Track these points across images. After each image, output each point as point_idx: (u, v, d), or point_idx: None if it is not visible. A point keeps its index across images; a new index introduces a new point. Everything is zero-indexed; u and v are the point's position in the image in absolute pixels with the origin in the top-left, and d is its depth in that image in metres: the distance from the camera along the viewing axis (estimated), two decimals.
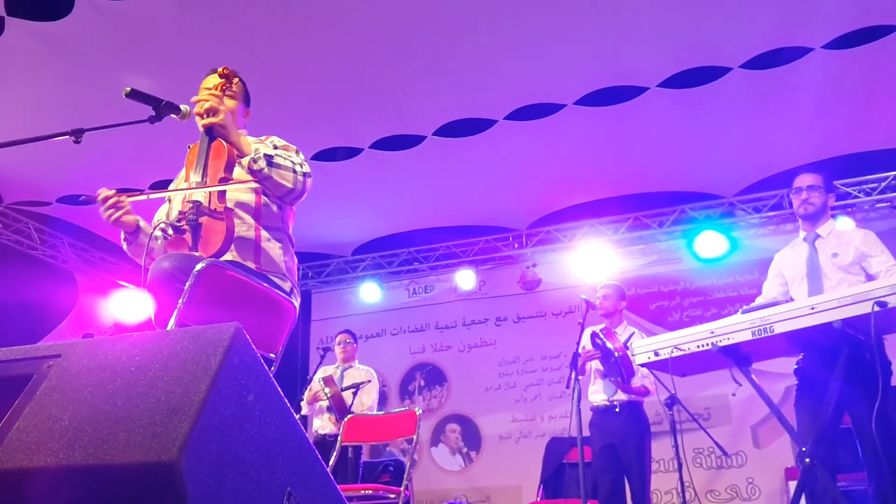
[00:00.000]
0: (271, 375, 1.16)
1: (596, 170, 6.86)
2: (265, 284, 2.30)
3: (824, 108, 5.94)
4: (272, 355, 2.28)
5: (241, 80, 2.75)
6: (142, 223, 2.64)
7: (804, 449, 2.97)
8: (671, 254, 7.76)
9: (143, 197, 2.56)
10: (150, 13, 4.72)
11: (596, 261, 7.54)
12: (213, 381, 0.98)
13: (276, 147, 2.52)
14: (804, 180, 3.74)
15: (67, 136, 2.23)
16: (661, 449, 6.67)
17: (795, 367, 3.58)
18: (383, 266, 8.57)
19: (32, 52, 5.00)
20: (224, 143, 2.42)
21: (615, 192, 7.32)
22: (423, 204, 7.48)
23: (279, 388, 1.17)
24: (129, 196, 2.51)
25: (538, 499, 5.76)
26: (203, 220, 2.33)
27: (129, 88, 2.39)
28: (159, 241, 2.48)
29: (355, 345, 6.10)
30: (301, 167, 2.46)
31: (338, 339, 6.08)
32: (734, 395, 3.69)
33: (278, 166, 2.38)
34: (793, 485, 6.03)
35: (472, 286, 8.23)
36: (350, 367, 5.93)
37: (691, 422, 5.28)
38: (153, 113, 2.45)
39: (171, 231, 2.34)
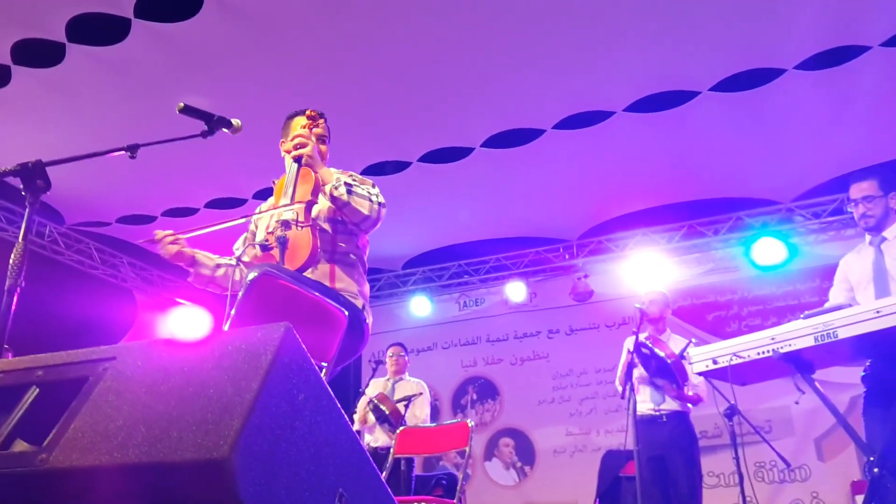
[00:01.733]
0: (322, 379, 1.16)
1: (648, 177, 6.77)
2: (316, 294, 2.32)
3: (884, 108, 5.75)
4: (324, 364, 2.30)
5: (325, 120, 2.94)
6: (198, 255, 2.84)
7: (872, 459, 2.86)
8: (728, 262, 7.58)
9: (199, 232, 2.71)
10: (204, 35, 4.84)
11: (649, 270, 7.41)
12: (264, 380, 0.98)
13: (354, 179, 2.74)
14: (858, 190, 3.54)
15: (123, 152, 2.29)
16: (720, 463, 6.51)
17: (863, 374, 3.44)
18: (433, 279, 8.57)
19: (92, 77, 5.16)
20: (311, 171, 2.66)
21: (668, 199, 7.20)
22: (472, 216, 7.47)
23: (330, 390, 1.17)
24: (184, 233, 2.72)
25: None
26: (290, 234, 2.52)
27: (182, 104, 2.45)
28: (244, 257, 2.69)
29: (406, 357, 6.11)
30: (377, 197, 2.67)
31: (389, 351, 6.10)
32: (797, 403, 3.56)
33: (357, 194, 2.60)
34: (860, 499, 5.81)
35: (522, 298, 8.18)
36: (401, 379, 5.93)
37: (751, 435, 5.13)
38: (206, 128, 2.51)
39: (259, 251, 2.56)
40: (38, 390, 1.15)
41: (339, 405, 1.18)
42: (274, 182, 2.85)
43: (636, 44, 5.05)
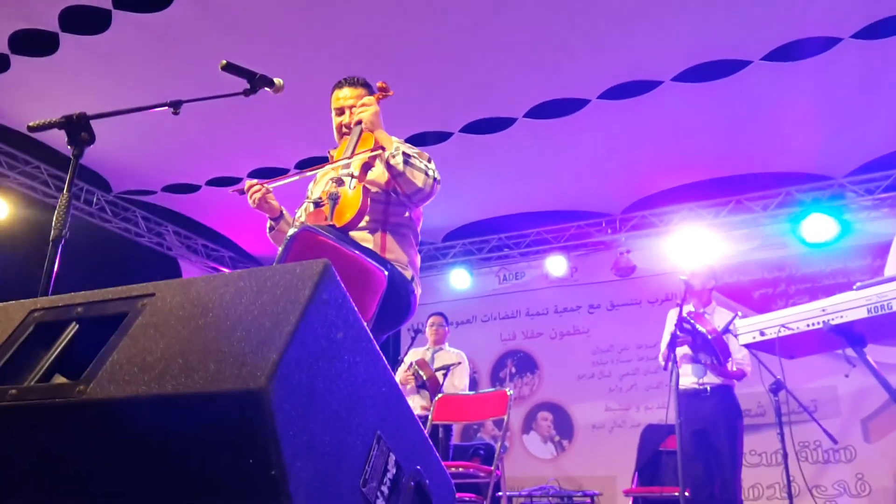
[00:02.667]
0: (362, 320, 1.14)
1: (695, 150, 6.61)
2: (356, 252, 2.31)
3: None
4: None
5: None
6: (285, 212, 2.87)
7: None
8: (776, 239, 7.40)
9: (284, 181, 2.77)
10: (246, 2, 4.83)
11: (694, 246, 7.26)
12: (302, 314, 0.96)
13: (413, 151, 2.73)
14: None
15: (167, 108, 2.29)
16: (764, 441, 6.41)
17: None
18: (473, 252, 8.54)
19: (137, 44, 5.20)
20: (371, 135, 2.67)
21: (715, 173, 7.03)
22: (513, 189, 7.40)
23: (369, 331, 1.15)
24: (271, 181, 2.75)
25: (633, 486, 5.61)
26: (342, 190, 2.53)
27: (224, 62, 2.44)
28: (301, 218, 2.72)
29: (447, 328, 6.11)
30: (433, 172, 2.66)
31: (430, 321, 6.10)
32: (847, 376, 3.46)
33: (413, 166, 2.60)
34: None
35: (563, 272, 8.11)
36: (441, 349, 5.94)
37: (795, 414, 5.02)
38: (248, 86, 2.50)
39: (311, 207, 2.59)
40: (77, 326, 1.15)
41: (377, 347, 1.16)
42: (330, 152, 2.86)
43: (686, 10, 4.91)
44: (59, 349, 1.12)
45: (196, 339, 1.00)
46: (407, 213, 2.76)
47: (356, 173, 2.58)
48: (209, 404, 0.91)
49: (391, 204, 2.72)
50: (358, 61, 5.39)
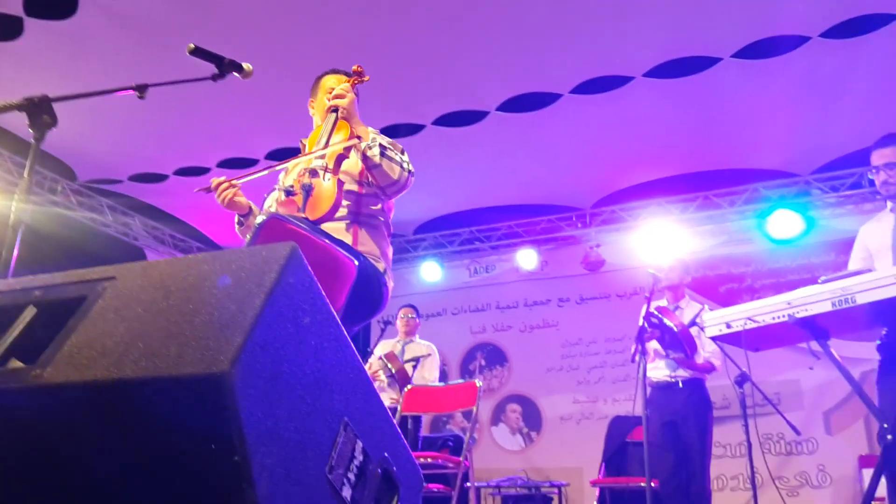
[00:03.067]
0: (329, 305, 1.12)
1: (664, 146, 6.66)
2: (326, 241, 2.28)
3: None
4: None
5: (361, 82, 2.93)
6: (254, 207, 2.80)
7: (886, 426, 2.81)
8: (742, 234, 7.50)
9: (253, 176, 2.66)
10: None
11: (662, 241, 7.33)
12: (267, 298, 0.94)
13: (390, 143, 2.70)
14: (880, 157, 3.46)
15: (132, 91, 2.24)
16: (728, 433, 6.50)
17: (879, 343, 3.38)
18: (444, 245, 8.54)
19: (104, 29, 5.09)
20: (347, 125, 2.62)
21: (684, 169, 7.10)
22: (484, 182, 7.40)
23: (337, 317, 1.13)
24: (239, 178, 2.66)
25: (600, 477, 5.66)
26: (316, 182, 2.48)
27: (192, 45, 2.38)
28: (272, 208, 2.70)
29: (418, 320, 6.09)
30: (407, 164, 2.64)
31: (401, 312, 6.07)
32: (811, 368, 3.52)
33: (390, 158, 2.57)
34: (867, 472, 5.79)
35: (534, 266, 8.14)
36: (411, 341, 5.92)
37: (759, 406, 5.10)
38: (216, 71, 2.45)
39: (282, 195, 2.54)
40: (35, 310, 1.11)
41: (345, 333, 1.14)
42: (302, 142, 2.81)
43: (658, 7, 4.93)
44: (15, 333, 1.08)
45: (158, 322, 0.97)
46: (379, 205, 2.73)
47: (331, 165, 2.54)
48: (171, 389, 0.88)
49: (364, 196, 2.68)
50: (331, 50, 5.34)
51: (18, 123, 1.80)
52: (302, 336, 1.01)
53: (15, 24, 5.05)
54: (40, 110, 2.03)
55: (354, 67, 2.87)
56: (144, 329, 0.97)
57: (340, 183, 2.53)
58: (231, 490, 0.88)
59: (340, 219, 2.60)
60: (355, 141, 2.58)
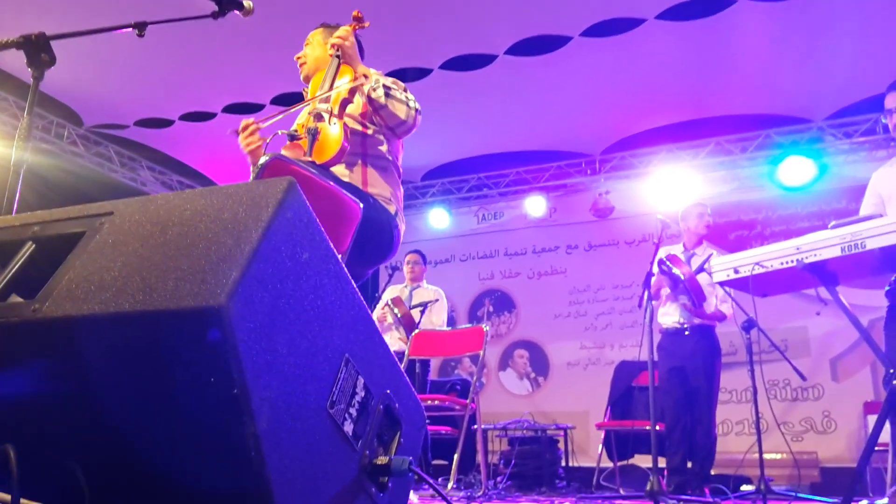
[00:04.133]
0: (329, 241, 1.11)
1: (675, 91, 6.55)
2: (330, 182, 2.26)
3: None
4: (339, 255, 2.25)
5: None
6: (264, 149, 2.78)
7: (892, 371, 2.81)
8: (754, 181, 7.41)
9: (274, 119, 2.64)
10: None
11: (672, 188, 7.26)
12: (265, 232, 0.93)
13: (394, 83, 2.63)
14: (893, 100, 3.43)
15: (131, 28, 2.20)
16: (734, 379, 6.53)
17: (888, 288, 3.37)
18: (452, 192, 8.49)
19: None
20: (350, 69, 2.59)
21: (695, 114, 6.98)
22: (493, 128, 7.32)
23: (336, 253, 1.12)
24: (263, 121, 2.62)
25: (605, 420, 5.73)
26: (321, 126, 2.45)
27: None
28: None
29: (424, 266, 6.09)
30: (413, 102, 2.58)
31: (407, 258, 6.08)
32: (818, 314, 3.52)
33: (395, 98, 2.52)
34: (871, 419, 5.82)
35: (542, 213, 8.10)
36: (418, 286, 5.94)
37: (766, 353, 5.10)
38: (216, 8, 2.40)
39: (288, 140, 2.53)
40: (34, 245, 1.11)
41: (345, 270, 1.13)
42: (305, 90, 2.77)
43: None
44: (14, 269, 1.08)
45: (155, 256, 0.96)
46: (385, 146, 2.69)
47: (336, 109, 2.51)
48: (168, 322, 0.88)
49: (370, 136, 2.66)
50: None
51: (21, 66, 1.77)
52: (301, 271, 1.00)
53: None
54: (38, 48, 2.00)
55: (354, 13, 2.81)
56: (142, 263, 0.96)
57: (346, 127, 2.50)
58: (231, 423, 0.88)
59: (346, 160, 2.57)
60: (361, 81, 2.54)
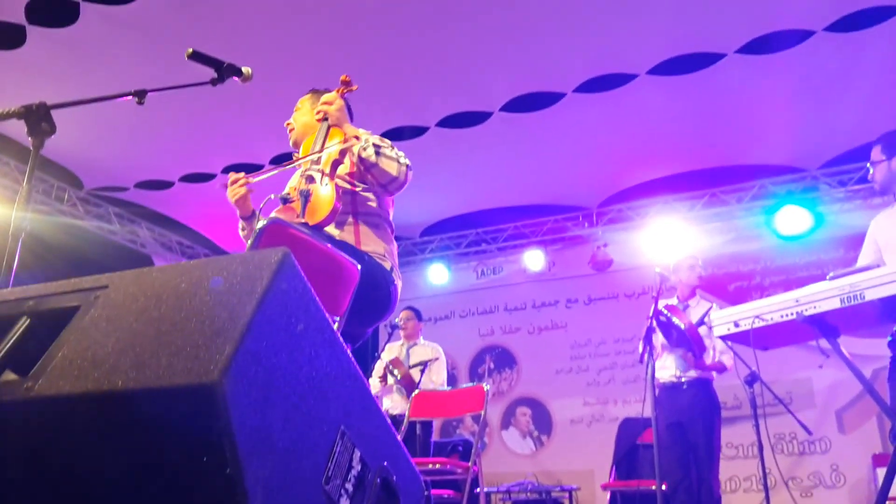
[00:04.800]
0: (324, 311, 1.10)
1: (670, 143, 6.63)
2: (328, 245, 2.26)
3: None
4: (336, 318, 2.25)
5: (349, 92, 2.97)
6: (258, 213, 2.81)
7: None
8: (750, 231, 7.44)
9: (265, 175, 2.71)
10: None
11: (670, 239, 7.28)
12: (258, 305, 0.92)
13: (382, 141, 2.69)
14: (876, 153, 3.53)
15: (131, 97, 2.23)
16: (739, 434, 6.45)
17: (890, 339, 3.34)
18: (451, 247, 8.51)
19: (106, 36, 5.10)
20: (339, 130, 2.67)
21: (690, 166, 7.06)
22: (490, 183, 7.38)
23: (331, 323, 1.11)
24: (254, 177, 2.70)
25: (611, 480, 5.62)
26: (313, 188, 2.49)
27: (191, 50, 2.38)
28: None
29: (418, 322, 6.06)
30: (403, 159, 2.62)
31: (400, 315, 6.05)
32: (821, 367, 3.48)
33: (385, 156, 2.57)
34: (881, 472, 5.72)
35: (541, 267, 8.11)
36: (415, 344, 5.90)
37: (771, 406, 5.05)
38: (215, 75, 2.44)
39: (280, 203, 2.54)
40: (28, 320, 1.10)
41: (341, 339, 1.12)
42: (296, 154, 2.83)
43: (660, 4, 4.90)
44: (9, 345, 1.07)
45: (149, 331, 0.95)
46: (375, 203, 2.73)
47: (327, 170, 2.57)
48: (161, 400, 0.87)
49: (359, 194, 2.70)
50: (332, 54, 5.34)
51: (21, 130, 1.81)
52: (296, 343, 0.99)
53: (18, 33, 5.06)
54: (38, 118, 2.02)
55: (342, 77, 2.91)
56: (136, 339, 0.95)
57: (338, 188, 2.55)
58: (225, 503, 0.86)
59: (340, 220, 2.60)
60: (352, 142, 2.60)
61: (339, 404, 1.08)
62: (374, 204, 2.71)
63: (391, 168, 2.57)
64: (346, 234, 2.62)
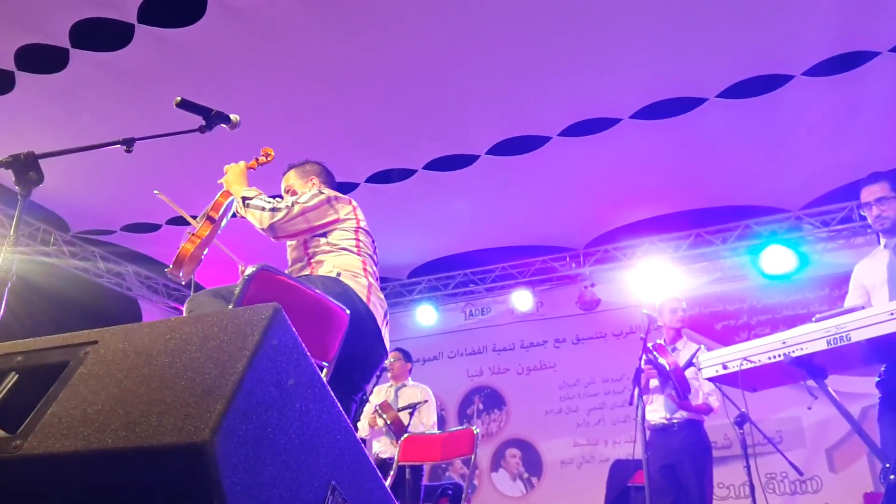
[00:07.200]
0: (314, 365, 1.10)
1: (655, 185, 6.70)
2: (318, 291, 2.27)
3: (893, 115, 5.68)
4: (325, 364, 2.24)
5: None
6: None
7: (888, 466, 2.78)
8: (736, 271, 7.50)
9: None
10: (207, 41, 4.81)
11: (657, 279, 7.33)
12: (249, 362, 0.93)
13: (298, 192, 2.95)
14: (870, 193, 3.51)
15: (119, 145, 2.25)
16: (730, 474, 6.41)
17: (878, 379, 3.36)
18: (439, 288, 8.51)
19: (95, 82, 5.14)
20: (226, 192, 2.98)
21: (675, 207, 7.13)
22: (478, 225, 7.42)
23: (322, 377, 1.11)
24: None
25: None
26: (182, 245, 2.84)
27: (179, 98, 2.41)
28: None
29: (407, 363, 6.02)
30: (272, 203, 2.74)
31: (389, 356, 6.01)
32: (810, 408, 3.50)
33: (252, 207, 2.76)
34: None
35: (529, 307, 8.11)
36: (404, 385, 5.86)
37: (761, 446, 5.04)
38: (203, 123, 2.47)
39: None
40: (17, 376, 1.09)
41: (331, 393, 1.12)
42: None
43: (643, 50, 5.00)
44: None
45: (139, 389, 0.95)
46: (327, 239, 2.82)
47: (198, 226, 2.88)
48: (151, 459, 0.86)
49: (307, 241, 2.83)
50: (320, 99, 5.40)
51: (6, 175, 1.83)
52: (286, 399, 0.99)
53: (7, 79, 5.09)
54: (26, 167, 2.03)
55: (263, 149, 3.21)
56: (125, 396, 0.95)
57: (194, 240, 2.84)
58: None
59: (300, 263, 2.80)
60: (219, 201, 2.94)
61: (330, 458, 1.07)
62: (325, 239, 2.82)
63: (254, 217, 2.72)
64: (304, 272, 2.75)
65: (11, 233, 1.98)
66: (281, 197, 2.98)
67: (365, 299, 2.65)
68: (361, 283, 2.68)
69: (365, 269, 2.77)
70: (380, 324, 2.70)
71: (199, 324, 1.03)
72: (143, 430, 0.88)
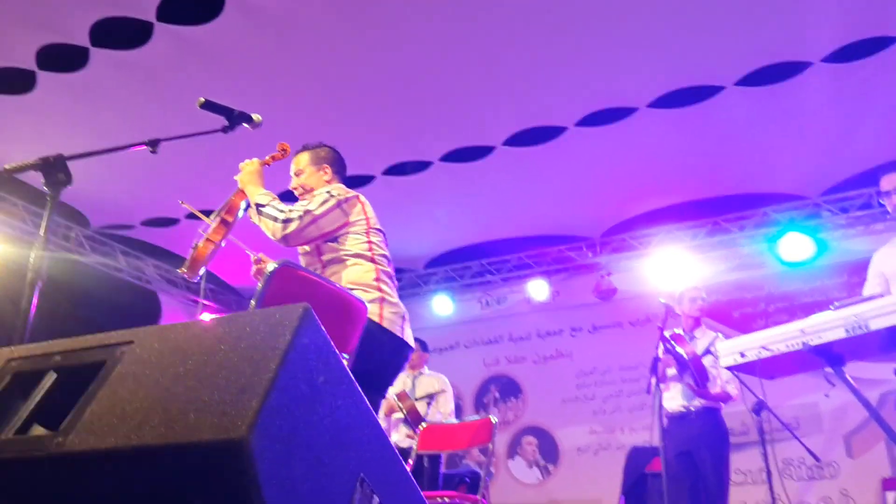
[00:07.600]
0: (343, 362, 1.14)
1: (672, 173, 6.69)
2: (336, 285, 2.32)
3: None
4: (345, 355, 2.29)
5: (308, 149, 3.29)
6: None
7: None
8: (754, 258, 7.47)
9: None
10: (225, 38, 4.85)
11: (674, 268, 7.31)
12: (282, 360, 0.96)
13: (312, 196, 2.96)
14: (891, 181, 3.53)
15: (144, 146, 2.29)
16: (747, 460, 6.42)
17: None
18: (455, 279, 8.54)
19: (115, 81, 5.19)
20: (242, 192, 3.06)
21: (692, 195, 7.11)
22: (494, 215, 7.44)
23: (351, 374, 1.15)
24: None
25: None
26: (195, 243, 2.94)
27: (202, 99, 2.46)
28: None
29: (423, 353, 6.05)
30: (286, 213, 2.80)
31: None
32: (827, 395, 3.50)
33: (265, 214, 2.83)
34: (891, 496, 5.71)
35: (545, 297, 8.12)
36: (420, 374, 5.90)
37: (779, 432, 5.04)
38: (226, 123, 2.51)
39: None
40: (55, 375, 1.14)
41: (360, 390, 1.16)
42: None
43: (660, 38, 4.98)
44: (37, 399, 1.11)
45: (176, 387, 0.99)
46: (339, 244, 2.87)
47: (213, 227, 2.93)
48: (190, 455, 0.90)
49: (320, 245, 2.89)
50: (338, 93, 5.43)
51: (33, 175, 1.88)
52: (317, 396, 1.03)
53: (28, 78, 5.15)
54: (55, 169, 2.08)
55: (279, 145, 3.26)
56: (162, 394, 0.99)
57: (209, 243, 2.92)
58: None
59: (312, 269, 2.82)
60: (235, 204, 2.97)
61: (358, 452, 1.11)
62: (337, 244, 2.87)
63: (266, 228, 2.79)
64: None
65: (42, 234, 2.03)
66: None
67: (377, 318, 2.73)
68: (374, 297, 2.76)
69: (378, 279, 2.84)
70: (397, 332, 2.80)
71: (231, 324, 1.07)
72: (182, 427, 0.92)
